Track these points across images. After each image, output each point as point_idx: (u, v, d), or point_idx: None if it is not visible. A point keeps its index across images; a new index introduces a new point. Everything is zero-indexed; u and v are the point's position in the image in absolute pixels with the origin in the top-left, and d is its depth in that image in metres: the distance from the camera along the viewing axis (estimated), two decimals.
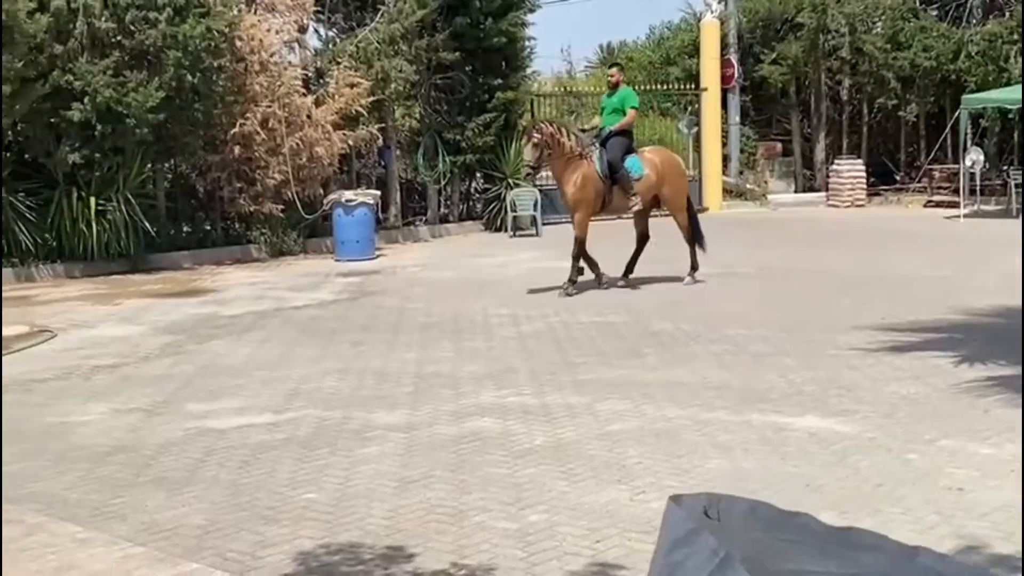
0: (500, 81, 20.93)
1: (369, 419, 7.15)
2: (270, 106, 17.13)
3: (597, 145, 12.54)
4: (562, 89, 28.51)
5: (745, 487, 5.58)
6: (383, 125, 19.44)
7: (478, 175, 21.91)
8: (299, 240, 17.85)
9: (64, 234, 15.79)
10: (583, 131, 13.06)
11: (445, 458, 6.24)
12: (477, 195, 22.43)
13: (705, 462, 6.06)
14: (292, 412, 7.41)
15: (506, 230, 20.44)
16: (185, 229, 18.43)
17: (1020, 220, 17.39)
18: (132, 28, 15.56)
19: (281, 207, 17.39)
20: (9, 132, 15.76)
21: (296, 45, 18.89)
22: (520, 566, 4.65)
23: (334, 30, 20.32)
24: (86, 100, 15.07)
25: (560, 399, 7.58)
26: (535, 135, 12.21)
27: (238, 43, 16.95)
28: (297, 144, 17.31)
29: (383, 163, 20.61)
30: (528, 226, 20.52)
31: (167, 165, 18.01)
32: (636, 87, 27.43)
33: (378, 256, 16.93)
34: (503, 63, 21.17)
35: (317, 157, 17.55)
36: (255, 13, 17.73)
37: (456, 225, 21.38)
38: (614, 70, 13.45)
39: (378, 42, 18.84)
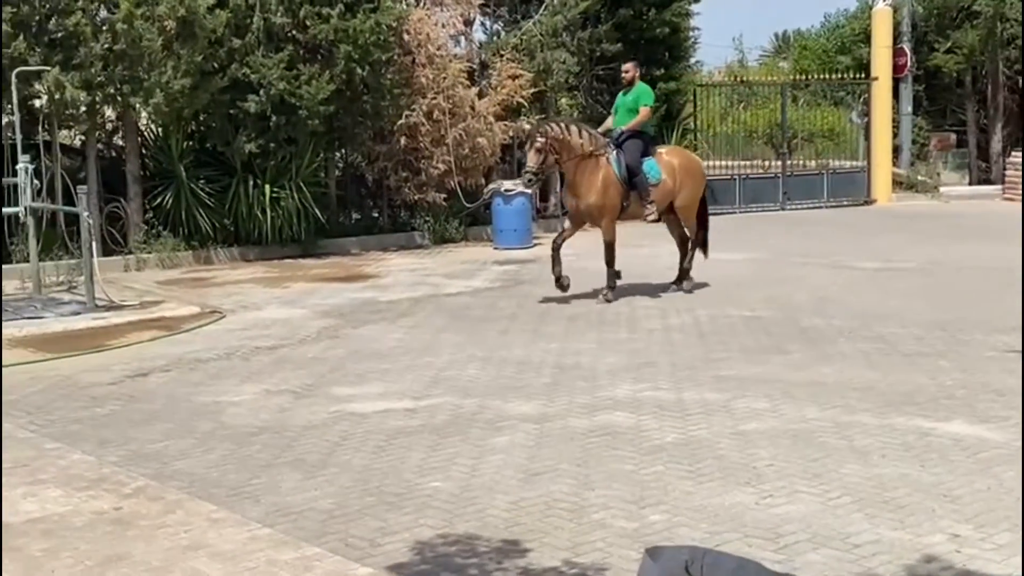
0: (662, 71, 20.60)
1: (504, 409, 7.09)
2: (435, 98, 17.26)
3: (613, 147, 11.36)
4: (732, 78, 27.85)
5: (879, 495, 5.29)
6: (544, 116, 19.35)
7: None
8: (460, 228, 17.96)
9: (241, 219, 16.29)
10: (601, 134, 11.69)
11: (573, 452, 6.13)
12: None
13: (840, 467, 5.77)
14: (431, 399, 7.42)
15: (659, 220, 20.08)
16: (354, 216, 18.80)
17: None
18: (306, 23, 15.90)
19: (444, 196, 17.52)
20: (192, 123, 16.36)
21: (462, 38, 18.99)
22: (632, 567, 4.47)
23: (499, 23, 20.34)
24: (262, 92, 15.48)
25: (697, 395, 7.36)
26: (539, 139, 10.93)
27: (406, 37, 17.14)
28: (460, 135, 17.40)
29: None
30: None
31: (337, 155, 18.38)
32: (807, 76, 26.82)
33: (535, 245, 16.86)
34: (666, 53, 20.84)
35: (479, 147, 17.60)
36: (423, 7, 17.90)
37: None
38: (629, 66, 12.10)
39: (541, 34, 18.76)
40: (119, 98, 14.83)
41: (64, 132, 15.96)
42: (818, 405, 7.02)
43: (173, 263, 15.37)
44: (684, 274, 11.99)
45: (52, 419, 7.17)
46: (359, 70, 16.18)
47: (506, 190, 16.81)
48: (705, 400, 7.21)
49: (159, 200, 15.73)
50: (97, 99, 14.58)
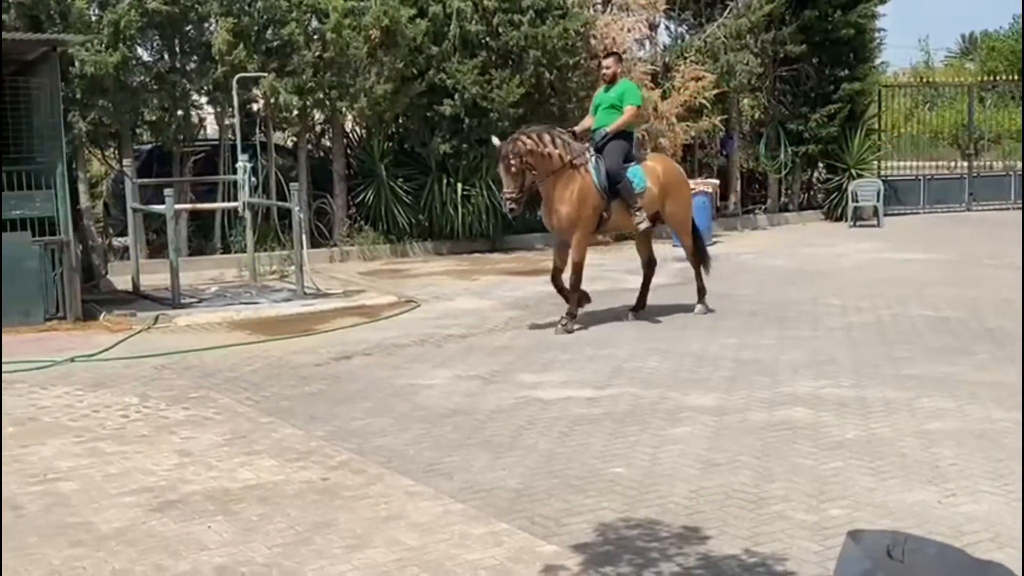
0: (846, 72, 20.00)
1: (683, 400, 7.03)
2: None
3: (592, 151, 9.77)
4: (918, 79, 26.74)
5: None
6: (726, 116, 19.05)
7: (820, 165, 21.02)
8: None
9: (434, 216, 16.66)
10: (573, 135, 10.08)
11: (752, 444, 6.02)
12: (818, 185, 21.54)
13: None
14: (612, 389, 7.42)
15: (846, 220, 19.50)
16: (538, 213, 18.91)
17: None
18: (498, 30, 16.13)
19: None
20: (392, 125, 16.82)
21: (646, 41, 18.88)
22: (813, 559, 4.39)
23: (683, 26, 20.11)
24: (456, 96, 15.80)
25: (878, 393, 7.11)
26: (511, 160, 9.22)
27: (592, 41, 17.16)
28: (643, 135, 17.30)
29: (725, 153, 20.20)
30: (870, 216, 19.50)
31: None
32: (995, 77, 25.47)
33: (714, 243, 16.60)
34: (851, 54, 20.15)
35: (661, 148, 17.46)
36: (609, 13, 17.89)
37: (795, 214, 20.63)
38: (610, 60, 10.42)
39: (725, 37, 18.47)
40: (327, 102, 15.40)
41: (278, 134, 16.70)
42: (1004, 407, 6.67)
43: (373, 255, 15.84)
44: (700, 294, 10.49)
45: (266, 395, 7.51)
46: (547, 74, 16.32)
47: None
48: (887, 398, 6.97)
49: (361, 197, 16.26)
50: (308, 103, 15.18)
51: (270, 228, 15.04)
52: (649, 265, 10.51)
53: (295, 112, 15.21)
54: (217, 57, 14.07)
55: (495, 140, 9.76)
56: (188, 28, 14.42)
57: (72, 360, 8.76)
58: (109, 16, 13.31)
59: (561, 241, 9.96)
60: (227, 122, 15.16)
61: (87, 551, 4.59)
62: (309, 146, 16.68)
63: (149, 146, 16.55)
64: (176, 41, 14.57)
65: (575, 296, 9.77)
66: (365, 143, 16.66)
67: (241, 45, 14.15)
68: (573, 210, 9.53)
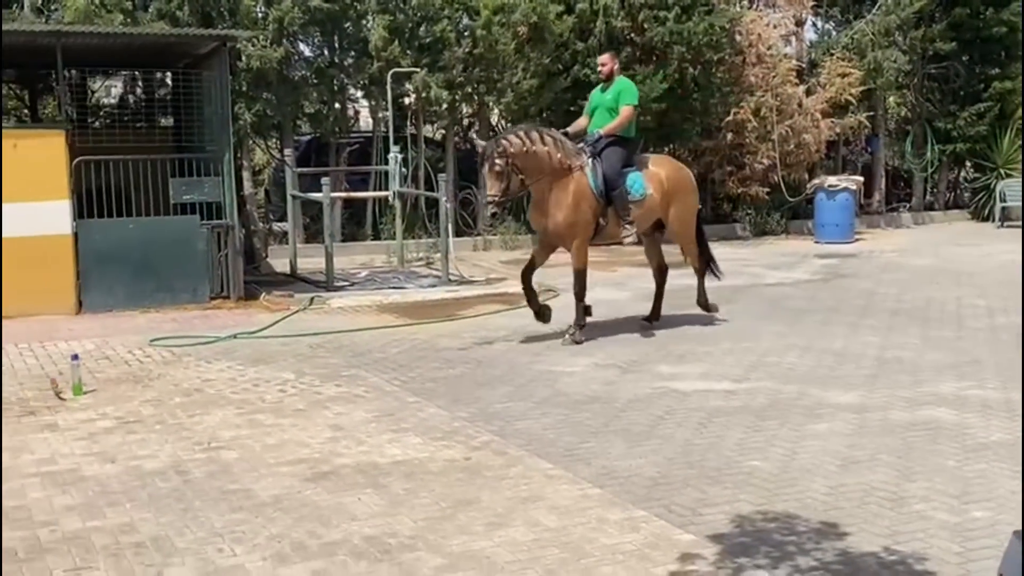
0: (997, 71, 19.11)
1: (823, 397, 6.85)
2: (763, 96, 16.87)
3: (589, 154, 8.89)
4: None
5: None
6: (872, 113, 18.44)
7: (967, 164, 20.17)
8: (781, 221, 17.49)
9: None
10: (564, 135, 9.15)
11: (893, 443, 5.83)
12: (965, 184, 20.67)
13: None
14: (750, 383, 7.29)
15: (994, 220, 18.66)
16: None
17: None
18: (644, 26, 15.99)
19: (767, 190, 17.13)
20: (536, 119, 16.86)
21: (792, 38, 18.43)
22: (954, 560, 4.23)
23: (830, 23, 19.56)
24: None
25: None
26: (496, 161, 8.37)
27: (737, 37, 16.86)
28: (786, 131, 16.93)
29: (870, 150, 19.57)
30: (1017, 217, 18.59)
31: (665, 149, 18.37)
32: None
33: (857, 240, 16.16)
34: (1002, 52, 19.24)
35: (804, 144, 17.05)
36: (756, 9, 17.54)
37: (941, 213, 19.85)
38: (605, 57, 9.41)
39: (873, 33, 17.88)
40: (475, 97, 15.57)
41: (428, 126, 16.96)
42: None
43: (514, 245, 15.93)
44: (704, 306, 9.74)
45: (412, 376, 7.65)
46: (691, 69, 16.11)
47: (830, 186, 16.25)
48: None
49: None
50: (457, 97, 15.36)
51: (418, 217, 15.29)
52: (660, 272, 9.71)
53: (444, 106, 15.40)
54: (373, 53, 14.37)
55: (478, 141, 8.86)
56: (347, 25, 14.76)
57: (235, 337, 9.09)
58: (274, 13, 13.74)
59: (548, 243, 9.16)
60: (380, 115, 15.48)
61: (246, 516, 4.77)
62: (457, 139, 16.88)
63: (308, 137, 17.05)
64: (335, 37, 14.94)
65: (581, 305, 9.02)
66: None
67: (396, 42, 14.41)
68: (570, 215, 8.68)
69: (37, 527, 4.62)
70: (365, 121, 17.64)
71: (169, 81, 13.52)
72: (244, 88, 13.95)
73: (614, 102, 9.02)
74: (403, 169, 13.58)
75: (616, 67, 9.25)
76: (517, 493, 5.08)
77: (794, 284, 12.08)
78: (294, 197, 13.33)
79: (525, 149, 8.47)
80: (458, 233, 15.04)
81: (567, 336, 8.83)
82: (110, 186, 10.66)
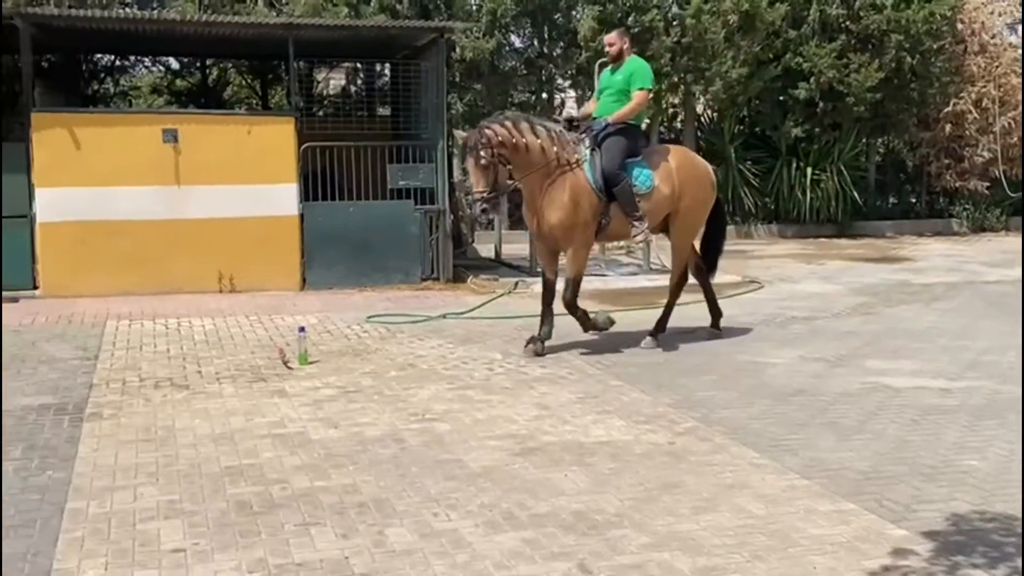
0: None
1: None
2: (985, 86, 16.02)
3: (588, 145, 7.87)
4: None
5: None
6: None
7: None
8: (1002, 218, 16.57)
9: (781, 199, 16.31)
10: (570, 125, 8.24)
11: None
12: None
13: None
14: (966, 381, 6.97)
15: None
16: (891, 200, 18.04)
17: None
18: (859, 14, 15.46)
19: (986, 184, 16.26)
20: (744, 109, 16.60)
21: (1019, 26, 17.37)
22: None
23: None
24: (811, 80, 15.33)
25: None
26: (480, 153, 7.38)
27: (959, 25, 16.05)
28: (1009, 123, 16.00)
29: None
30: None
31: (879, 140, 17.72)
32: None
33: None
34: None
35: None
36: None
37: None
38: (613, 36, 8.21)
39: None
40: (682, 86, 15.44)
41: None
42: None
43: None
44: (715, 318, 8.72)
45: (614, 361, 7.71)
46: (908, 59, 15.48)
47: None
48: None
49: None
50: (663, 87, 15.28)
51: None
52: (699, 272, 8.66)
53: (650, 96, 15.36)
54: (582, 43, 14.49)
55: (458, 133, 7.93)
56: (557, 16, 14.94)
57: (444, 317, 9.41)
58: (488, 5, 14.06)
59: (548, 250, 8.15)
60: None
61: (459, 484, 4.95)
62: (661, 128, 16.81)
63: None
64: (545, 28, 15.14)
65: (578, 313, 8.08)
66: (716, 126, 16.57)
67: (604, 31, 14.44)
68: (566, 216, 7.69)
69: (269, 484, 4.95)
70: (570, 110, 17.79)
71: (387, 72, 14.06)
72: (457, 79, 14.33)
73: (625, 84, 7.96)
74: None
75: (626, 46, 8.15)
76: (722, 480, 5.05)
77: (1014, 282, 11.42)
78: None
79: (514, 140, 7.49)
80: None
81: (528, 346, 7.87)
82: (332, 171, 11.22)
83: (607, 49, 8.21)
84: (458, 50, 14.00)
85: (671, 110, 16.99)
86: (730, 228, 15.98)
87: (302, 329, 7.79)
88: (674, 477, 5.08)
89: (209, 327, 9.02)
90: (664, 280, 11.57)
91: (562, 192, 7.64)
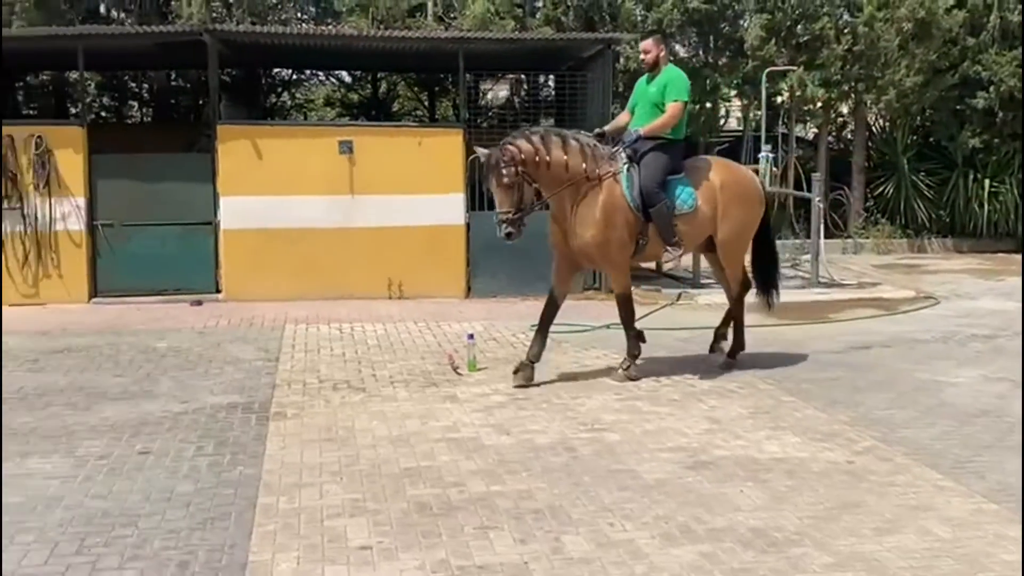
0: None
1: None
2: None
3: (624, 158, 7.29)
4: None
5: None
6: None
7: None
8: None
9: (956, 211, 15.68)
10: (601, 139, 7.49)
11: None
12: None
13: None
14: None
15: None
16: None
17: None
18: None
19: None
20: (917, 118, 16.02)
21: None
22: None
23: None
24: (991, 88, 14.69)
25: None
26: (503, 171, 6.85)
27: None
28: None
29: None
30: None
31: None
32: None
33: None
34: None
35: None
36: None
37: None
38: (648, 43, 7.52)
39: None
40: (852, 95, 15.04)
41: (799, 126, 16.58)
42: None
43: (887, 249, 15.27)
44: (735, 348, 7.97)
45: (786, 376, 7.57)
46: None
47: None
48: None
49: (880, 190, 15.73)
50: (832, 96, 14.92)
51: (784, 217, 15.00)
52: (743, 288, 7.99)
53: (819, 104, 15.03)
54: (748, 52, 14.27)
55: (479, 150, 7.18)
56: (723, 25, 14.76)
57: (608, 327, 9.41)
58: (654, 15, 14.01)
59: (568, 267, 7.60)
60: (751, 114, 15.34)
61: (632, 495, 4.96)
62: (830, 138, 16.40)
63: None
64: (711, 37, 14.99)
65: (632, 334, 7.51)
66: (888, 136, 16.06)
67: (772, 40, 14.22)
68: (599, 232, 7.15)
69: (447, 487, 5.07)
70: (733, 121, 17.54)
71: (551, 83, 14.18)
72: (620, 88, 14.33)
73: (659, 96, 7.38)
74: (774, 168, 13.37)
75: (663, 54, 7.59)
76: (905, 501, 4.90)
77: None
78: None
79: (537, 158, 6.99)
80: (827, 235, 14.59)
81: (620, 371, 7.41)
82: None
83: (642, 57, 7.62)
84: (622, 60, 14.00)
85: (839, 119, 16.55)
86: (901, 242, 15.50)
87: (471, 336, 7.94)
88: (854, 496, 4.96)
89: (380, 332, 9.29)
90: (835, 294, 11.33)
91: (593, 208, 7.15)
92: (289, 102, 18.32)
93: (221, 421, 6.27)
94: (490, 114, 16.32)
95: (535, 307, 10.47)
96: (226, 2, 15.18)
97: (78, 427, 6.10)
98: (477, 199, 11.27)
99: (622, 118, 7.74)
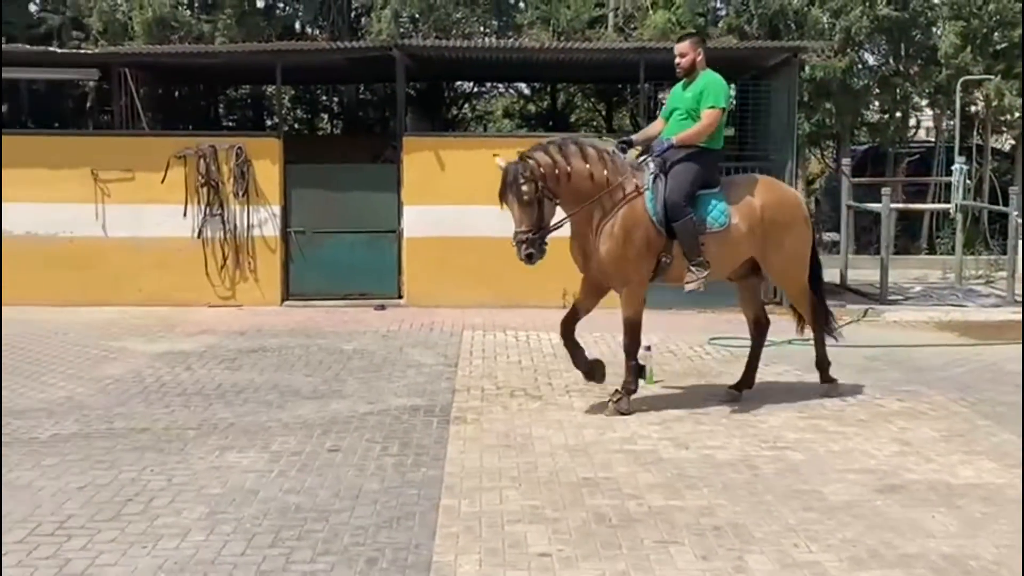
0: None
1: None
2: None
3: (652, 170, 6.66)
4: None
5: None
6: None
7: None
8: None
9: None
10: (623, 146, 6.83)
11: None
12: None
13: None
14: None
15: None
16: None
17: None
18: None
19: None
20: None
21: None
22: None
23: None
24: None
25: None
26: (523, 187, 6.32)
27: None
28: None
29: None
30: None
31: None
32: None
33: None
34: None
35: None
36: None
37: None
38: (685, 45, 6.84)
39: None
40: None
41: (995, 137, 15.78)
42: None
43: None
44: (823, 373, 7.39)
45: (981, 398, 7.19)
46: None
47: None
48: None
49: None
50: None
51: (978, 232, 14.31)
52: (758, 327, 7.35)
53: (1017, 115, 14.25)
54: (942, 60, 13.69)
55: (498, 161, 6.62)
56: (915, 32, 14.22)
57: (790, 343, 9.16)
58: (842, 23, 13.61)
59: (592, 286, 7.04)
60: (944, 125, 14.69)
61: (818, 516, 4.81)
62: None
63: (864, 146, 16.68)
64: (902, 45, 14.45)
65: (632, 365, 6.87)
66: None
67: (967, 48, 13.59)
68: (617, 247, 6.59)
69: (626, 499, 5.04)
70: (923, 131, 16.85)
71: (733, 92, 13.94)
72: (805, 98, 13.99)
73: (695, 103, 6.78)
74: (968, 181, 12.77)
75: (700, 58, 6.87)
76: None
77: None
78: (849, 207, 13.10)
79: (557, 170, 6.49)
80: None
81: (611, 403, 6.77)
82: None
83: (677, 61, 6.89)
84: (807, 69, 13.66)
85: None
86: None
87: (648, 348, 7.86)
88: None
89: (555, 341, 9.27)
90: None
91: (613, 222, 6.61)
92: (469, 114, 18.70)
93: (405, 423, 6.44)
94: None
95: (713, 320, 10.35)
96: (412, 18, 15.63)
97: (272, 423, 6.39)
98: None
99: (655, 126, 7.13)
